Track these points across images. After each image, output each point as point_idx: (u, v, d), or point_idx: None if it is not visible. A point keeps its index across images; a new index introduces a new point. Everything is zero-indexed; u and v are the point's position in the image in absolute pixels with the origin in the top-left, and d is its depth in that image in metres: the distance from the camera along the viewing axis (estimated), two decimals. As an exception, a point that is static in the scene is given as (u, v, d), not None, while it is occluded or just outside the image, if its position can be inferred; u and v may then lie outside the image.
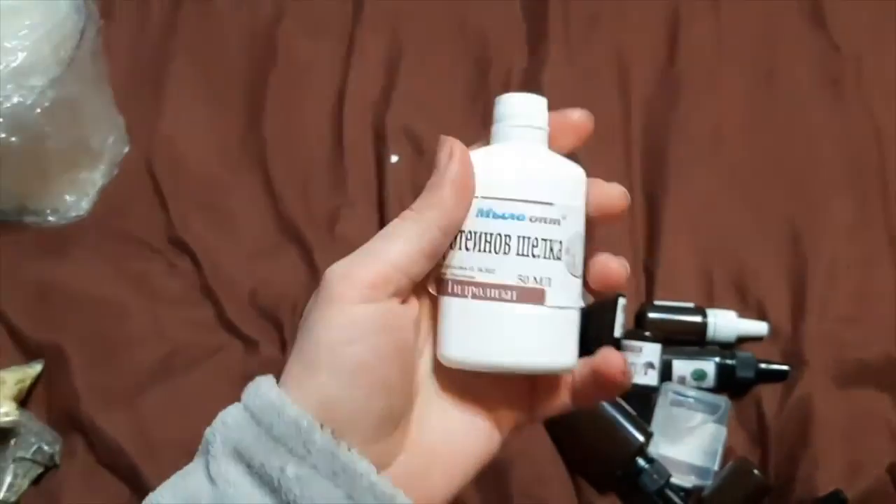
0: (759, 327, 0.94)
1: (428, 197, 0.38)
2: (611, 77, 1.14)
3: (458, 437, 0.40)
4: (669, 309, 0.93)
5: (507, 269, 0.38)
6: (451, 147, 0.38)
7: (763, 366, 0.90)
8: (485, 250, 0.38)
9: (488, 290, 0.38)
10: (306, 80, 1.14)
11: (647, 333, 0.90)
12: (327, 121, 1.11)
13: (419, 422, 0.39)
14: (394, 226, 0.38)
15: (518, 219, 0.38)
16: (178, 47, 1.15)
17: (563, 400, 0.41)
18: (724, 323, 0.92)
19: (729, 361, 0.90)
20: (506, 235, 0.38)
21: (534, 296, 0.38)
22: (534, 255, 0.38)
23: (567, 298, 0.39)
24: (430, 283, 0.40)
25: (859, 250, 1.00)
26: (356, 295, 0.36)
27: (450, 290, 0.39)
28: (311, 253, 1.00)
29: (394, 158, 1.06)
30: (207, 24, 1.18)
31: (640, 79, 1.14)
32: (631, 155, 1.07)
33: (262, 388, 0.36)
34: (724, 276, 0.99)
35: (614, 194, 0.40)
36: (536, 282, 0.38)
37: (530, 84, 1.12)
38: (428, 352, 0.41)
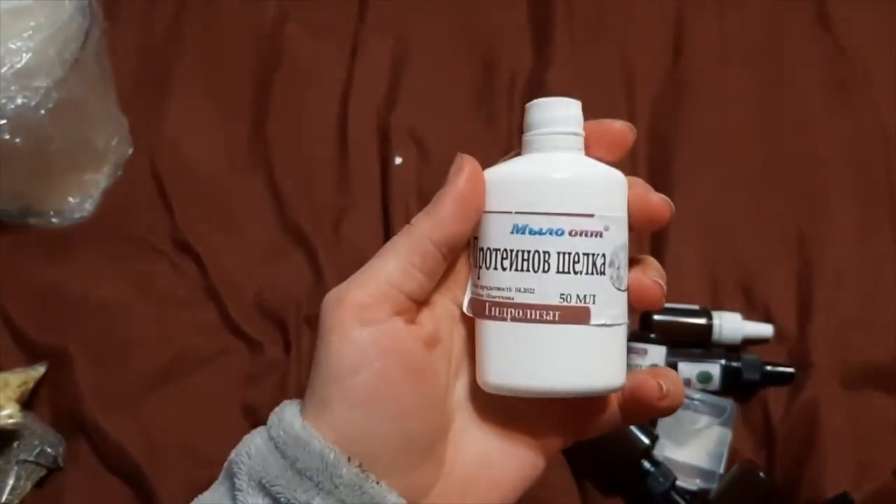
0: (764, 330, 0.93)
1: (425, 210, 0.37)
2: (616, 78, 1.13)
3: (497, 464, 0.38)
4: (674, 311, 0.93)
5: (548, 288, 0.36)
6: (461, 162, 0.37)
7: (769, 368, 0.90)
8: (522, 269, 0.36)
9: (528, 312, 0.36)
10: (311, 81, 1.14)
11: (653, 336, 0.90)
12: (332, 122, 1.11)
13: (455, 450, 0.37)
14: (388, 243, 0.37)
15: (557, 234, 0.36)
16: (183, 49, 1.15)
17: (614, 416, 0.39)
18: (730, 325, 0.92)
19: (734, 364, 0.89)
20: (544, 252, 0.36)
21: (578, 315, 0.36)
22: (575, 272, 0.36)
23: (613, 315, 0.36)
24: (466, 306, 0.38)
25: (866, 253, 1.00)
26: (352, 319, 0.35)
27: (487, 312, 0.37)
28: (315, 254, 1.00)
29: (398, 160, 1.06)
30: (212, 26, 1.18)
31: (646, 80, 1.13)
32: (636, 156, 1.07)
33: (287, 418, 0.35)
34: (729, 278, 0.98)
35: (656, 202, 0.38)
36: (580, 300, 0.36)
37: (535, 86, 1.12)
38: (463, 376, 0.39)
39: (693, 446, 0.85)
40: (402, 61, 1.15)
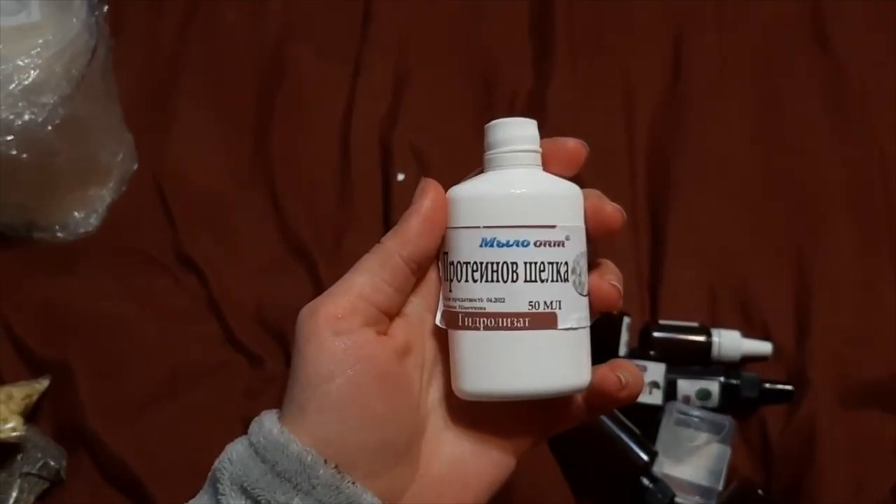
0: (763, 347, 0.93)
1: (393, 229, 0.39)
2: (615, 97, 1.14)
3: (470, 465, 0.40)
4: (674, 328, 0.93)
5: (518, 297, 0.38)
6: (425, 186, 0.40)
7: (767, 385, 0.90)
8: (493, 280, 0.38)
9: (500, 320, 0.38)
10: (314, 98, 1.15)
11: (652, 353, 0.90)
12: (334, 138, 1.12)
13: (429, 453, 0.40)
14: (360, 260, 0.39)
15: (523, 245, 0.38)
16: (188, 66, 1.17)
17: (579, 411, 0.42)
18: (729, 342, 0.92)
19: (733, 381, 0.89)
20: (512, 263, 0.38)
21: (546, 321, 0.38)
22: (542, 280, 0.38)
23: (577, 319, 0.39)
24: (439, 319, 0.40)
25: (864, 270, 1.00)
26: (326, 329, 0.37)
27: (460, 323, 0.39)
28: (316, 269, 1.00)
29: (400, 177, 1.07)
30: (216, 43, 1.19)
31: (646, 98, 1.14)
32: (636, 174, 1.08)
33: (266, 425, 0.37)
34: (728, 295, 0.99)
35: (609, 211, 0.40)
36: (547, 306, 0.38)
37: (536, 104, 1.12)
38: (436, 383, 0.41)
39: (692, 463, 0.85)
40: (405, 79, 1.16)
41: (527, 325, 0.38)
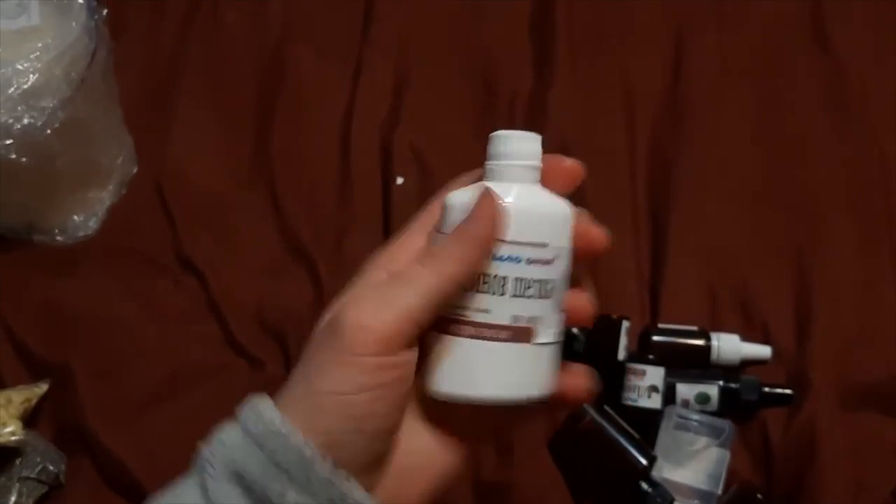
0: (762, 351, 0.93)
1: (454, 248, 0.38)
2: (616, 98, 1.14)
3: (432, 458, 0.42)
4: (673, 332, 0.93)
5: (503, 310, 0.39)
6: (486, 202, 0.38)
7: (767, 389, 0.90)
8: (482, 291, 0.39)
9: (483, 331, 0.39)
10: (314, 99, 1.15)
11: (651, 356, 0.90)
12: (335, 140, 1.12)
13: (398, 444, 0.40)
14: (415, 273, 0.38)
15: (515, 261, 0.38)
16: (188, 67, 1.16)
17: (536, 412, 0.43)
18: (728, 346, 0.92)
19: (733, 385, 0.89)
20: (503, 277, 0.38)
21: (524, 335, 0.39)
22: (527, 296, 0.39)
23: (553, 334, 0.40)
24: None
25: (864, 270, 1.00)
26: (371, 348, 0.36)
27: (444, 327, 0.40)
28: (317, 271, 1.00)
29: (399, 180, 1.07)
30: (217, 45, 1.19)
31: (646, 99, 1.14)
32: (636, 176, 1.08)
33: (263, 412, 0.37)
34: (728, 297, 0.99)
35: (595, 234, 0.41)
36: (527, 321, 0.39)
37: (536, 104, 1.12)
38: None
39: (691, 467, 0.85)
40: (405, 81, 1.16)
41: (506, 337, 0.39)
